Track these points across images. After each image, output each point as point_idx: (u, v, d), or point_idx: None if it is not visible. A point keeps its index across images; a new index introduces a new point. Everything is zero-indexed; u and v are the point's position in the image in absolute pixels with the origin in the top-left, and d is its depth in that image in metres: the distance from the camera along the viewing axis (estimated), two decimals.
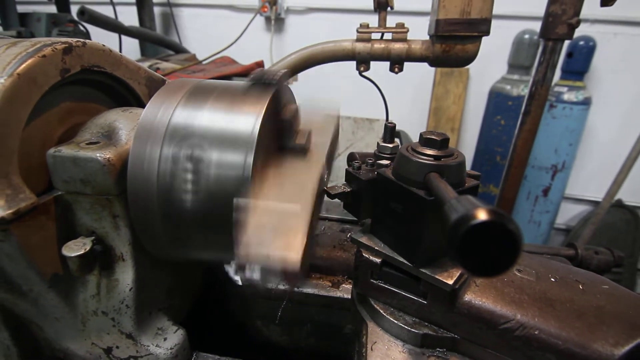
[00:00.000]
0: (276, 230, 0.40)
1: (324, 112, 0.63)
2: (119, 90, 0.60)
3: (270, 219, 0.41)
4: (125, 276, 0.51)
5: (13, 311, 0.51)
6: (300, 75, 1.30)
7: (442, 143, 0.46)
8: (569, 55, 2.29)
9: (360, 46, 1.10)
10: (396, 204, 0.48)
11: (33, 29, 1.98)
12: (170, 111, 0.47)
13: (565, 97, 2.32)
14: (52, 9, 2.24)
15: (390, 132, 0.58)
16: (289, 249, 0.38)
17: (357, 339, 0.56)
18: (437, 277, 0.47)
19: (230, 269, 0.68)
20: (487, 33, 0.99)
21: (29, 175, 0.45)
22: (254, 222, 0.40)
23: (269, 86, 0.48)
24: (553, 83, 1.65)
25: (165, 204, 0.45)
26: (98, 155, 0.45)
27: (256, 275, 0.38)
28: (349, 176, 0.54)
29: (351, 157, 0.62)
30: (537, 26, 1.39)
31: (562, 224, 2.89)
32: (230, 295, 0.73)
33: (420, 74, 2.52)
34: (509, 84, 2.43)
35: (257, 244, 0.38)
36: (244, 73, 1.83)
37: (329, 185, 0.55)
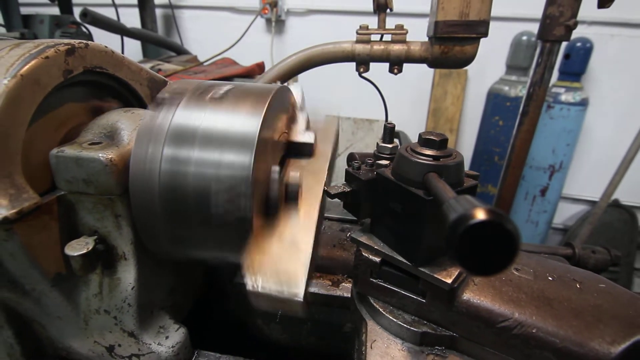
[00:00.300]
0: (281, 255, 0.45)
1: (323, 116, 0.65)
2: (121, 91, 0.61)
3: (275, 242, 0.46)
4: (128, 275, 0.52)
5: (16, 310, 0.52)
6: (301, 76, 1.31)
7: (440, 143, 0.46)
8: (567, 56, 2.31)
9: (360, 47, 1.10)
10: (395, 203, 0.49)
11: (36, 30, 1.99)
12: (172, 112, 0.47)
13: (563, 98, 2.34)
14: (55, 10, 2.25)
15: (390, 132, 0.58)
16: (294, 282, 0.43)
17: (357, 337, 0.56)
18: (436, 276, 0.47)
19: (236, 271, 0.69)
20: (486, 34, 1.00)
21: (32, 175, 0.46)
22: (259, 248, 0.45)
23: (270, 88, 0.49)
24: (550, 84, 1.67)
25: (167, 203, 0.45)
26: (100, 155, 0.45)
27: (263, 299, 0.43)
28: (349, 176, 0.54)
29: (351, 158, 0.62)
30: (535, 28, 1.40)
31: (559, 223, 2.90)
32: (231, 294, 0.73)
33: (419, 75, 2.52)
34: (507, 85, 2.44)
35: (263, 271, 0.43)
36: (244, 74, 1.85)
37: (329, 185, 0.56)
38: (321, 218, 0.53)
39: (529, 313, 0.46)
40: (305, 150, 0.58)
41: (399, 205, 0.48)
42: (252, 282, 0.42)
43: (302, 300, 0.42)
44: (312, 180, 0.53)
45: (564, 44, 1.49)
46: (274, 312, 0.48)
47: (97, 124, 0.52)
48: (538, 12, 1.32)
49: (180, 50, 2.50)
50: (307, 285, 0.43)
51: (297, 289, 0.42)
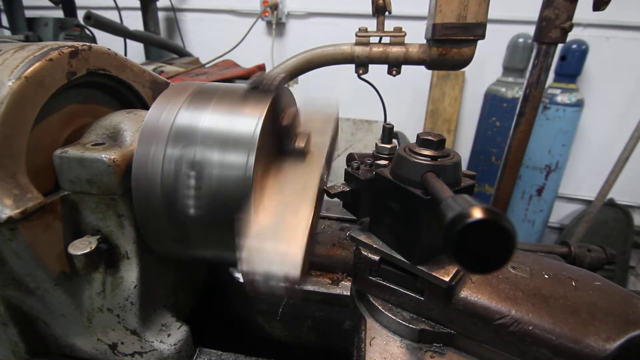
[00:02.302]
0: (277, 236, 0.41)
1: (322, 112, 0.64)
2: (124, 92, 0.61)
3: (272, 225, 0.43)
4: (130, 274, 0.52)
5: (21, 308, 0.52)
6: (301, 77, 1.31)
7: (438, 144, 0.47)
8: (562, 58, 2.33)
9: (359, 50, 1.11)
10: (394, 203, 0.49)
11: (40, 33, 2.00)
12: (173, 113, 0.48)
13: (559, 99, 2.36)
14: (59, 13, 2.25)
15: (389, 133, 0.59)
16: (290, 255, 0.39)
17: (357, 335, 0.57)
18: (434, 274, 0.48)
19: (235, 270, 0.69)
20: (483, 37, 1.01)
21: (36, 175, 0.46)
22: (255, 230, 0.42)
23: (268, 92, 0.50)
24: (547, 85, 1.68)
25: (169, 203, 0.46)
26: (103, 156, 0.46)
27: (258, 280, 0.39)
28: (348, 176, 0.55)
29: (350, 158, 0.63)
30: (531, 30, 1.41)
31: (555, 222, 2.92)
32: (232, 292, 0.74)
33: (417, 76, 2.53)
34: (504, 86, 2.46)
35: (259, 251, 0.40)
36: (245, 76, 1.84)
37: (328, 185, 0.57)
38: (317, 214, 0.52)
39: (526, 310, 0.46)
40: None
41: (397, 205, 0.49)
42: (246, 265, 0.39)
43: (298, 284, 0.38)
44: (305, 176, 0.51)
45: (560, 46, 1.51)
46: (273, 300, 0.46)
47: (100, 125, 0.53)
48: (534, 15, 1.33)
49: (182, 53, 2.50)
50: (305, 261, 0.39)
51: (295, 269, 0.38)
